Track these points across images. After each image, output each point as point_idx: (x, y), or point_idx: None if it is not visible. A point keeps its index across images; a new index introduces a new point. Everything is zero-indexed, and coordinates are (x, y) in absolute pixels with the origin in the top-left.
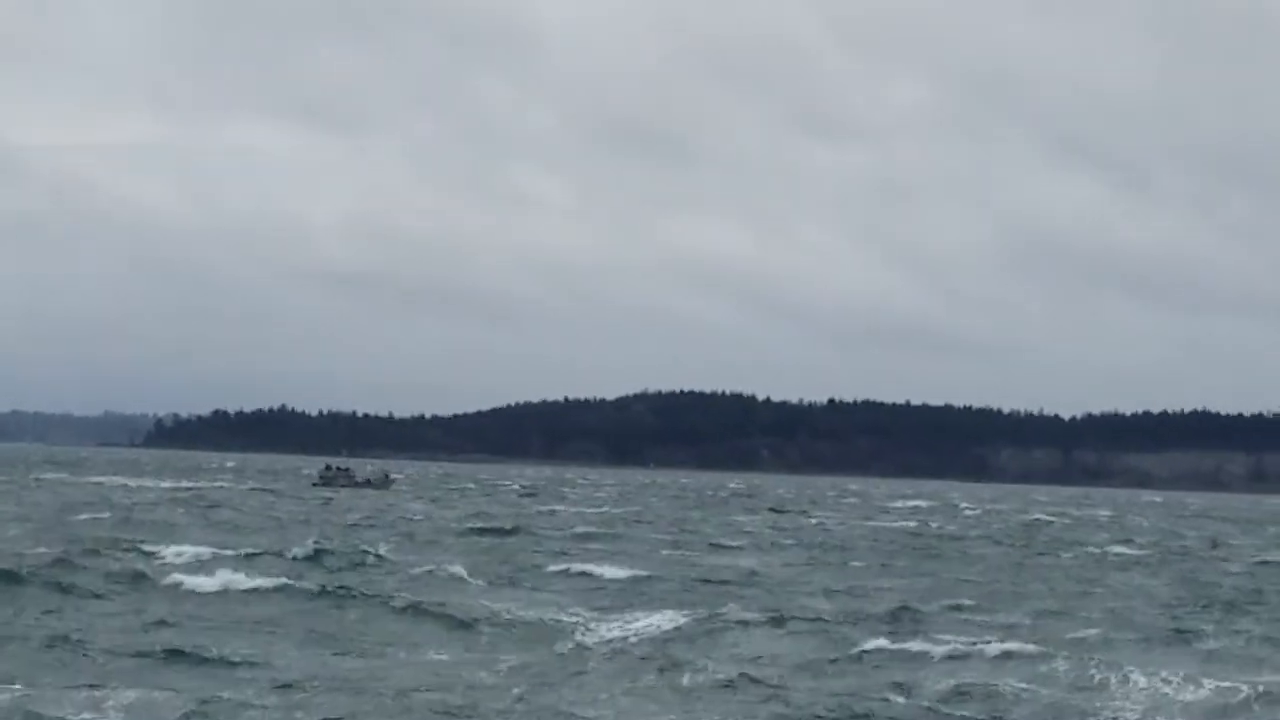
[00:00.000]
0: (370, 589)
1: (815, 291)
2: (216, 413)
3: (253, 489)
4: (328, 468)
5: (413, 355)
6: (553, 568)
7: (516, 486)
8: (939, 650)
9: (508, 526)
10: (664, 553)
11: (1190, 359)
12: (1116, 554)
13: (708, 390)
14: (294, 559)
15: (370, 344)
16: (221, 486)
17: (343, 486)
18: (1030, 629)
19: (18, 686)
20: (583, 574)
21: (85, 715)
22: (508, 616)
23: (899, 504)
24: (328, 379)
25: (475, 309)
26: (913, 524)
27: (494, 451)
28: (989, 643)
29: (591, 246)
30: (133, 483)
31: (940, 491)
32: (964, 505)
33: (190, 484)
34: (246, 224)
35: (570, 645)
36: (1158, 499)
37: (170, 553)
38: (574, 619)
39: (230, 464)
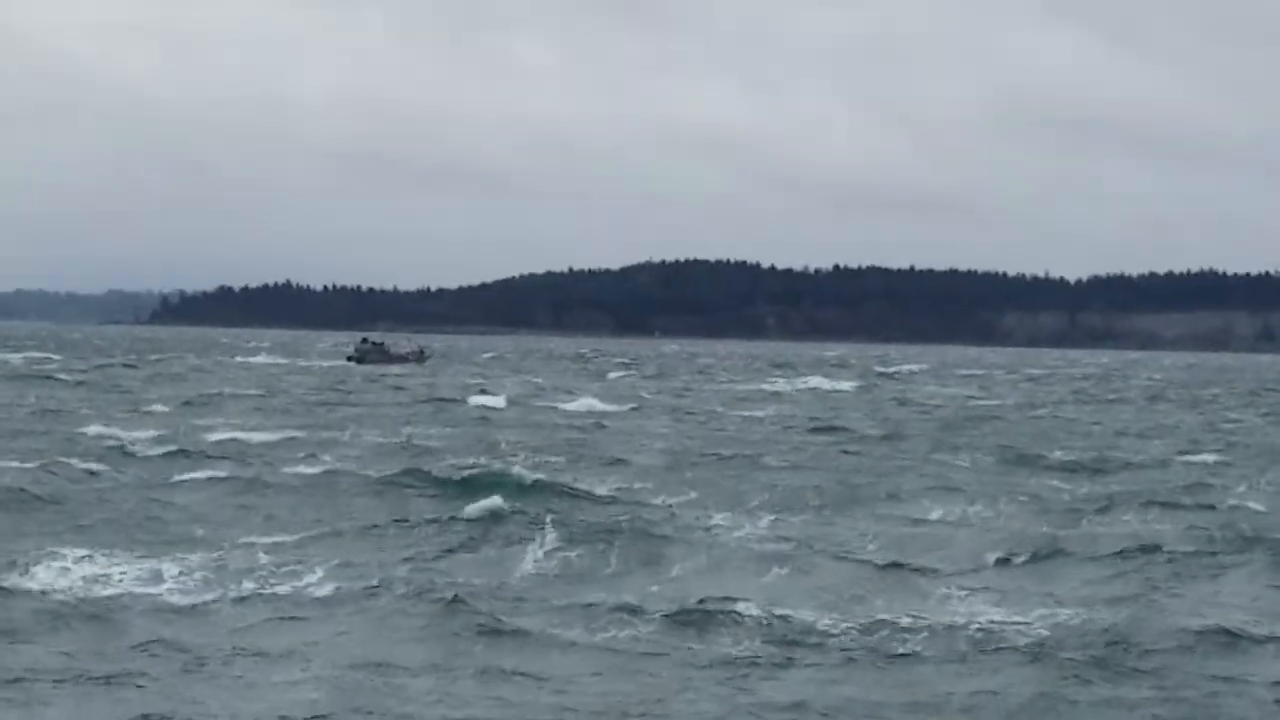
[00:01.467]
0: None
1: (814, 158)
2: (222, 289)
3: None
4: (364, 341)
5: (415, 229)
6: None
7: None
8: None
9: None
10: None
11: (1197, 219)
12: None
13: (712, 259)
14: None
15: (372, 218)
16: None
17: (377, 362)
18: None
19: None
20: None
21: None
22: None
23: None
24: (331, 254)
25: (474, 181)
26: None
27: (500, 323)
28: None
29: (587, 115)
30: (282, 360)
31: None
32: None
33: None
34: (241, 100)
35: None
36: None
37: None
38: None
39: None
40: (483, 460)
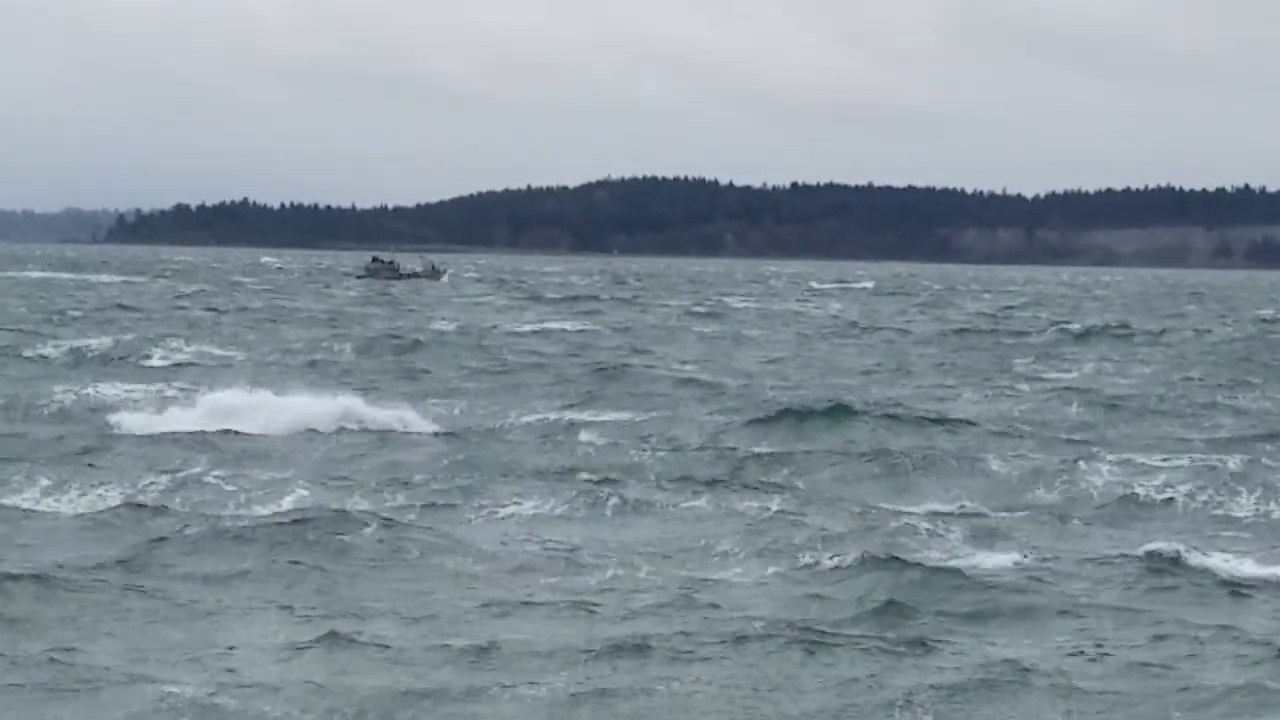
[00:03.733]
0: None
1: (772, 74)
2: (179, 207)
3: None
4: (374, 259)
5: (372, 146)
6: None
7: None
8: None
9: None
10: None
11: (1154, 135)
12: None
13: (670, 176)
14: None
15: (329, 135)
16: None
17: (389, 279)
18: None
19: None
20: None
21: None
22: None
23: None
24: (288, 172)
25: (431, 97)
26: None
27: (458, 240)
28: None
29: (545, 31)
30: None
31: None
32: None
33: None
34: (198, 13)
35: None
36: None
37: None
38: None
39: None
40: None
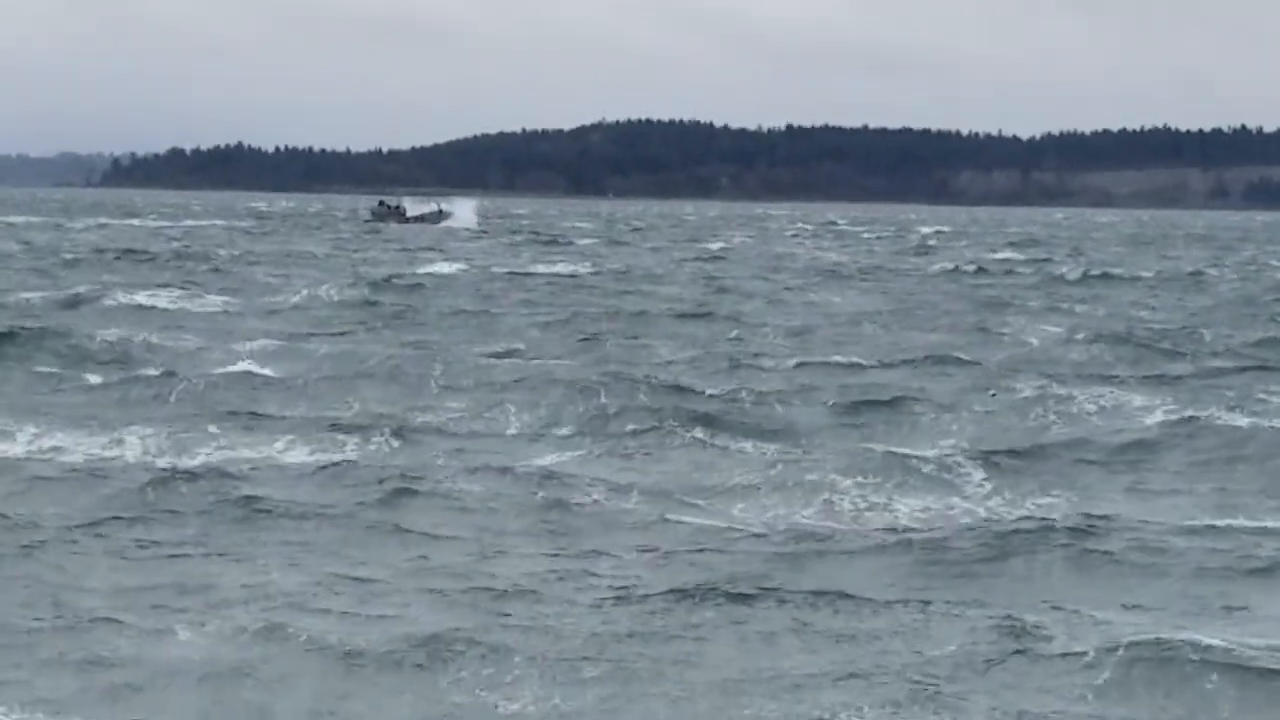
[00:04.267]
0: None
1: (766, 13)
2: (173, 151)
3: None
4: (380, 204)
5: (366, 88)
6: None
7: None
8: None
9: None
10: None
11: (1151, 75)
12: None
13: (665, 118)
14: None
15: (323, 77)
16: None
17: (396, 223)
18: None
19: None
20: None
21: None
22: None
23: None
24: (282, 115)
25: (426, 37)
26: None
27: (452, 184)
28: None
29: None
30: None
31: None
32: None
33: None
34: None
35: None
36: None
37: None
38: None
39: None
40: None
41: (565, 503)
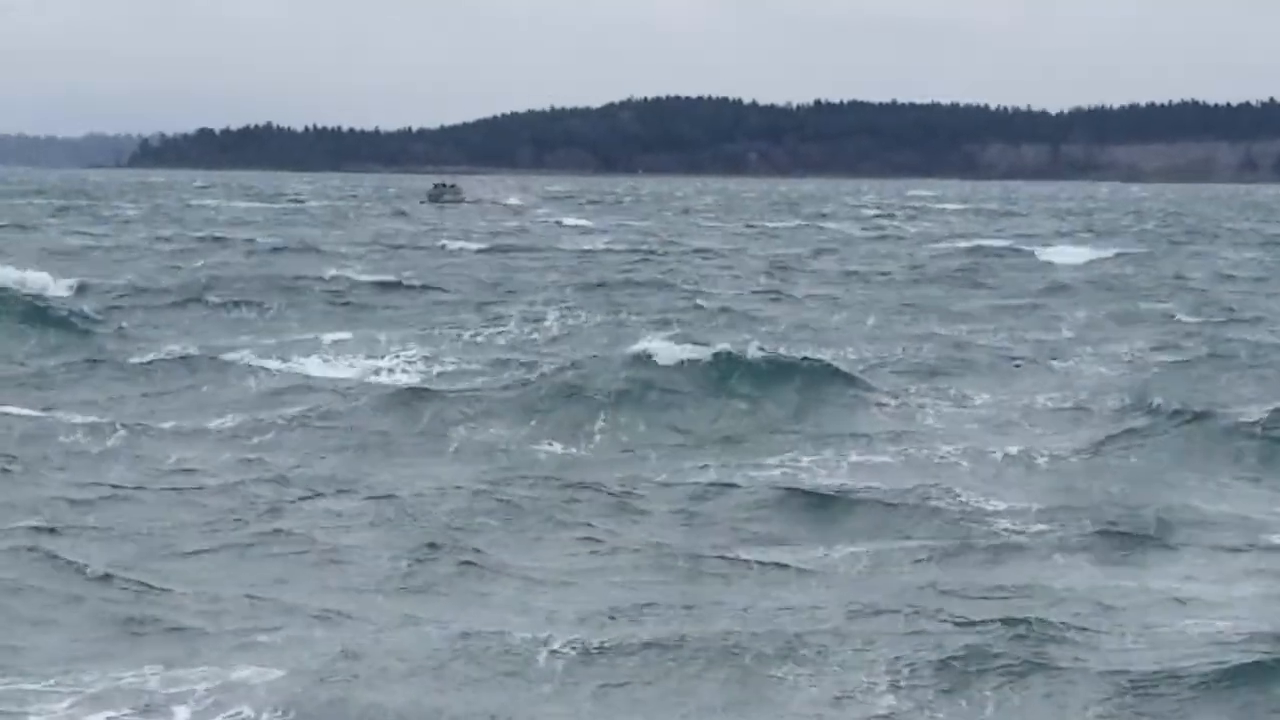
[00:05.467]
0: None
1: None
2: (202, 131)
3: None
4: (437, 185)
5: (395, 66)
6: None
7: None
8: None
9: None
10: None
11: (1179, 49)
12: None
13: (694, 95)
14: None
15: (352, 55)
16: None
17: (450, 203)
18: None
19: None
20: None
21: None
22: None
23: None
24: (311, 94)
25: (451, 12)
26: None
27: (482, 162)
28: None
29: None
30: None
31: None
32: None
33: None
34: None
35: None
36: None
37: None
38: None
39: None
40: None
41: None
